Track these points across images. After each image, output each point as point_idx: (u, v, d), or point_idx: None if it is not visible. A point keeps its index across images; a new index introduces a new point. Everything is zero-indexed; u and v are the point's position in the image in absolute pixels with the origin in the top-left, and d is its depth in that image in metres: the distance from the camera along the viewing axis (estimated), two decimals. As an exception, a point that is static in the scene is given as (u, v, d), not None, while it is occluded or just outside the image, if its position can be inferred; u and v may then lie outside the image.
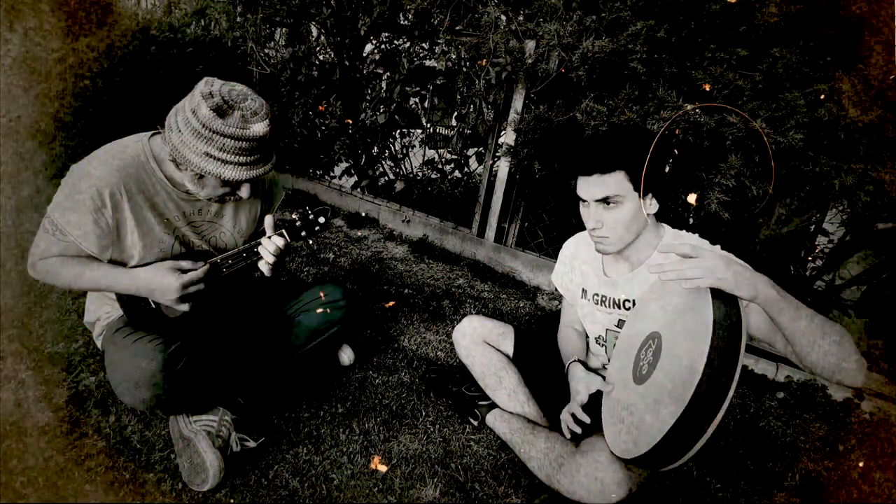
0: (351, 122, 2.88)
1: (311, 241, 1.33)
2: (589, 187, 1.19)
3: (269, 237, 1.24)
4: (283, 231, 1.26)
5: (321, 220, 1.29)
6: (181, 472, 1.24)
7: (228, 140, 1.09)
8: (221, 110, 1.08)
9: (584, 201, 1.22)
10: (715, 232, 2.01)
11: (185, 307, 1.23)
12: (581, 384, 1.31)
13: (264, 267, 1.28)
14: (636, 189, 1.16)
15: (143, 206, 1.21)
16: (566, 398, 1.34)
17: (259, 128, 1.12)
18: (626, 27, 1.80)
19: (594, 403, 1.28)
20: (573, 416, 1.28)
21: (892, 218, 1.69)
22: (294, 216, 1.28)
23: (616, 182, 1.16)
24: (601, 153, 1.18)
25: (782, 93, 1.61)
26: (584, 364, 1.37)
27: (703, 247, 1.20)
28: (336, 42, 2.82)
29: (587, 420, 1.25)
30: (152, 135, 1.25)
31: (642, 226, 1.22)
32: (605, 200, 1.18)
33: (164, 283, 1.18)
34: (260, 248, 1.25)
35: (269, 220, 1.26)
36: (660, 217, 1.28)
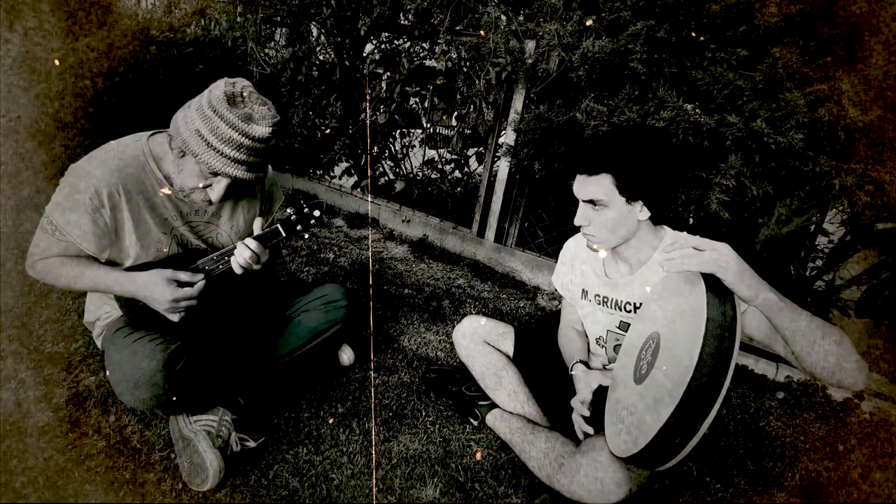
0: (351, 121, 2.88)
1: (306, 236, 1.32)
2: (578, 187, 1.22)
3: (243, 241, 1.22)
4: (262, 234, 1.24)
5: (316, 213, 1.29)
6: (181, 472, 1.24)
7: (223, 125, 1.09)
8: (234, 100, 1.11)
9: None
10: (715, 232, 2.01)
11: (174, 318, 1.23)
12: (582, 383, 1.31)
13: (234, 264, 1.24)
14: (622, 194, 1.16)
15: (142, 205, 1.21)
16: (566, 398, 1.34)
17: (258, 130, 1.12)
18: (626, 27, 1.80)
19: (599, 400, 1.28)
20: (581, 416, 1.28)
21: (892, 218, 1.69)
22: (289, 210, 1.28)
23: (600, 185, 1.16)
24: (588, 155, 1.19)
25: (782, 93, 1.61)
26: (586, 364, 1.37)
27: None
28: (336, 42, 2.82)
29: (586, 413, 1.25)
30: (152, 134, 1.25)
31: (631, 229, 1.22)
32: (591, 202, 1.19)
33: (157, 293, 1.18)
34: (235, 252, 1.23)
35: (257, 223, 1.26)
36: (660, 219, 1.28)
